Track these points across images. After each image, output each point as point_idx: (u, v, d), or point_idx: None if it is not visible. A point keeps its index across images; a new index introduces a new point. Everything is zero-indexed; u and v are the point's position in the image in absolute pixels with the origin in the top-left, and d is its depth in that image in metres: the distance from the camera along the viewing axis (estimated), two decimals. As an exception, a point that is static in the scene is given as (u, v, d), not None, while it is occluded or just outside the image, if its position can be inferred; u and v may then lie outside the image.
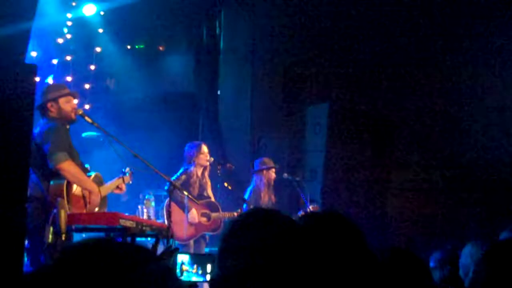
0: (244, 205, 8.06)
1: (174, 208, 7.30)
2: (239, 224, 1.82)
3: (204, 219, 7.61)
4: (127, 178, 6.21)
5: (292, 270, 1.71)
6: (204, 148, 7.76)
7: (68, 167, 5.36)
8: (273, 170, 8.68)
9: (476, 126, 9.79)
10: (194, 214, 7.53)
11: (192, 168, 7.64)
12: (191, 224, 7.50)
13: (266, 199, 8.56)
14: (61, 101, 5.72)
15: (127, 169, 6.21)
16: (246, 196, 8.43)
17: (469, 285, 2.45)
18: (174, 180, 7.28)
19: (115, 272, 1.10)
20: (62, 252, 1.15)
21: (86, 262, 1.11)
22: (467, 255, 3.88)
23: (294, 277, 1.71)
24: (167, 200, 7.40)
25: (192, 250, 7.29)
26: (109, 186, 5.96)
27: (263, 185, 8.59)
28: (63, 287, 1.07)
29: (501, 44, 9.54)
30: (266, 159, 8.73)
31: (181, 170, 7.64)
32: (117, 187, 6.11)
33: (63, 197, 5.22)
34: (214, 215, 7.68)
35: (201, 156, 7.68)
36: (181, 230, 7.35)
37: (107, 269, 1.10)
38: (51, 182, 5.30)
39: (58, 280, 1.08)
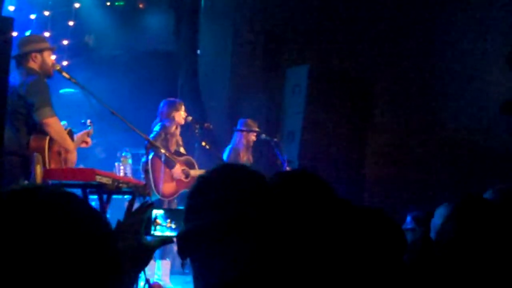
0: (222, 165, 8.07)
1: (160, 164, 7.33)
2: (206, 180, 1.84)
3: (183, 176, 7.61)
4: (91, 131, 6.17)
5: (258, 226, 1.73)
6: (182, 106, 7.72)
7: (53, 123, 5.30)
8: (254, 134, 8.69)
9: (454, 90, 9.84)
10: (178, 170, 7.53)
11: (169, 124, 7.59)
12: (173, 180, 7.51)
13: (245, 159, 8.59)
14: (45, 54, 5.64)
15: (88, 121, 6.16)
16: (225, 155, 8.47)
17: (435, 241, 2.49)
18: (154, 137, 7.28)
19: (45, 219, 1.09)
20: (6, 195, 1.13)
21: (15, 207, 1.10)
22: (439, 216, 3.94)
23: (260, 233, 1.73)
24: (149, 158, 7.39)
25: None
26: (76, 142, 5.92)
27: (242, 145, 8.62)
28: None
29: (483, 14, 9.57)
30: (250, 121, 8.74)
31: (158, 127, 7.56)
32: (83, 141, 6.08)
33: (44, 152, 5.20)
34: (192, 172, 7.68)
35: (179, 113, 7.64)
36: (166, 186, 7.39)
37: (37, 214, 1.09)
38: (32, 136, 5.27)
39: None
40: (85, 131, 6.10)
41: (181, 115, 7.63)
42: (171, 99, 7.89)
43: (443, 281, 2.34)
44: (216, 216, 1.72)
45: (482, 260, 2.27)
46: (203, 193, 1.81)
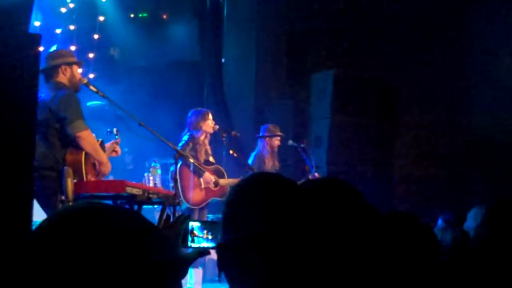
0: (250, 172, 8.11)
1: (188, 173, 7.38)
2: (241, 189, 1.84)
3: (212, 185, 7.67)
4: (118, 140, 6.18)
5: (294, 233, 1.73)
6: (210, 115, 7.78)
7: (87, 136, 5.30)
8: (278, 138, 8.71)
9: (482, 88, 9.76)
10: (207, 179, 7.59)
11: (198, 134, 7.67)
12: (201, 189, 7.57)
13: (270, 165, 8.59)
14: (74, 67, 5.67)
15: (115, 130, 6.17)
16: (250, 161, 8.48)
17: (472, 246, 2.48)
18: (182, 146, 7.35)
19: (111, 239, 1.10)
20: (58, 215, 1.15)
21: (80, 227, 1.11)
22: (472, 218, 3.90)
23: (297, 241, 1.73)
24: (177, 167, 7.43)
25: (196, 217, 7.36)
26: (107, 153, 5.93)
27: (267, 152, 8.63)
28: (54, 251, 1.08)
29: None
30: (271, 126, 8.75)
31: (186, 137, 7.63)
32: (113, 150, 6.11)
33: (81, 166, 5.23)
34: (221, 181, 7.74)
35: (207, 122, 7.70)
36: (195, 194, 7.46)
37: (102, 235, 1.10)
38: (68, 150, 5.28)
39: (48, 243, 1.09)
40: (113, 140, 6.13)
41: (209, 125, 7.69)
42: (199, 109, 7.94)
43: (477, 284, 2.32)
44: (255, 226, 1.72)
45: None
46: (240, 202, 1.81)
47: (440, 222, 5.70)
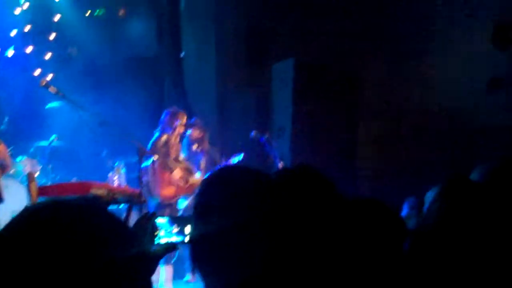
0: (217, 166, 8.12)
1: (159, 169, 7.44)
2: (212, 181, 1.85)
3: (182, 182, 7.69)
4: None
5: (265, 224, 1.73)
6: (183, 116, 7.84)
7: (2, 149, 5.48)
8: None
9: (441, 74, 9.85)
10: (177, 175, 7.61)
11: (170, 133, 7.70)
12: (172, 185, 7.59)
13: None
14: None
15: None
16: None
17: (422, 222, 2.48)
18: (153, 142, 7.42)
19: (77, 237, 1.10)
20: (24, 215, 1.14)
21: (45, 226, 1.11)
22: (428, 200, 3.93)
23: (267, 232, 1.73)
24: (149, 163, 7.43)
25: (167, 213, 7.36)
26: None
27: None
28: (19, 251, 1.08)
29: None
30: None
31: (157, 134, 7.66)
32: None
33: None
34: (191, 179, 7.79)
35: (180, 122, 7.77)
36: (166, 189, 7.45)
37: (67, 234, 1.10)
38: None
39: (13, 245, 1.09)
40: None
41: (182, 125, 7.76)
42: (173, 109, 7.97)
43: (429, 265, 2.34)
44: (225, 219, 1.73)
45: (466, 243, 2.27)
46: (211, 195, 1.82)
47: (405, 206, 5.74)
